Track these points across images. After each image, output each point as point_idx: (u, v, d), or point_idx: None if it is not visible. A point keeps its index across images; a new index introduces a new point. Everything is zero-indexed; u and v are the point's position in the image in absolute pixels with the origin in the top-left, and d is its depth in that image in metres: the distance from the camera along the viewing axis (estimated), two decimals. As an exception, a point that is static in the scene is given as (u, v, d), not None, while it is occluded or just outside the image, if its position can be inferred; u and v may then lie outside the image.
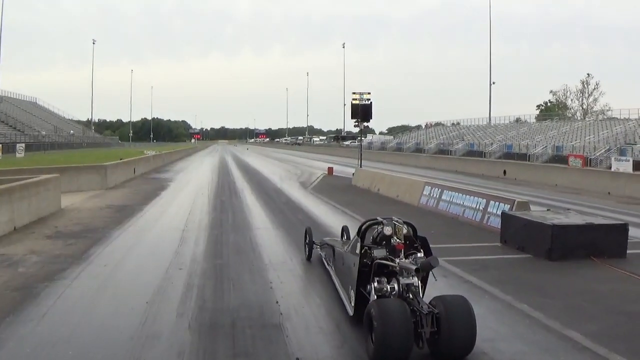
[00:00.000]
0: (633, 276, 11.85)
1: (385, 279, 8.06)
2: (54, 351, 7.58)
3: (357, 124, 39.10)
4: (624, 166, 41.94)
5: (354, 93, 38.38)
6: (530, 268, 12.70)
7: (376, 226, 8.77)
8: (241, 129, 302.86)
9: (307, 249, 13.36)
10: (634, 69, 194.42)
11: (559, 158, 55.61)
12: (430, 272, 8.03)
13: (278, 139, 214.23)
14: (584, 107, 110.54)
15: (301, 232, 14.38)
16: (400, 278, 7.86)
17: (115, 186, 31.52)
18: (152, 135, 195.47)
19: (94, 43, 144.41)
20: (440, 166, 55.83)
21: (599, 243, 13.41)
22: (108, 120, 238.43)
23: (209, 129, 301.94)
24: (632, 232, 14.73)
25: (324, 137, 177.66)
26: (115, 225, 17.70)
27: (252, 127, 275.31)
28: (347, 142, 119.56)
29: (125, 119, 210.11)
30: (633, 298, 10.42)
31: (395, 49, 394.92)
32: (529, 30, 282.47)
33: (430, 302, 7.46)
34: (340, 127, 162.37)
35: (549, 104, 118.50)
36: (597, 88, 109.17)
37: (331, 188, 32.03)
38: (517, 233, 14.58)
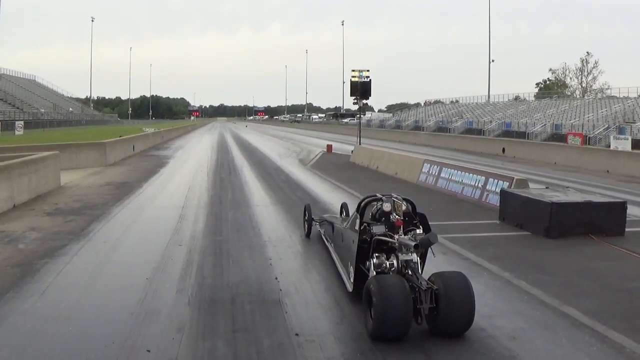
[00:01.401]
0: (631, 254, 11.89)
1: (384, 256, 8.08)
2: (54, 327, 7.61)
3: (356, 101, 39.03)
4: (623, 144, 41.95)
5: (353, 70, 38.29)
6: (529, 245, 12.73)
7: (375, 203, 8.77)
8: (240, 106, 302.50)
9: (306, 225, 13.37)
10: (633, 47, 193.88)
11: (557, 136, 55.56)
12: (429, 249, 8.06)
13: (277, 117, 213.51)
14: (583, 85, 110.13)
15: (300, 209, 14.40)
16: (400, 254, 7.89)
17: (115, 163, 31.55)
18: (151, 113, 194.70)
19: (92, 20, 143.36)
20: (439, 144, 55.75)
21: (598, 221, 13.44)
22: (107, 97, 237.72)
23: (207, 106, 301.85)
24: (631, 210, 14.74)
25: (323, 115, 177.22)
26: (115, 202, 17.73)
27: (251, 105, 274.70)
28: (346, 120, 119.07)
29: (124, 97, 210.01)
30: (631, 275, 10.45)
31: (395, 27, 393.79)
32: (528, 9, 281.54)
33: (429, 279, 7.49)
34: (339, 104, 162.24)
35: (548, 82, 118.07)
36: (597, 66, 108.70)
37: (330, 165, 32.05)
38: (516, 210, 14.60)
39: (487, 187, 18.00)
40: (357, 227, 8.60)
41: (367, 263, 8.23)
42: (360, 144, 38.83)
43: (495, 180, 17.76)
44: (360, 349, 7.03)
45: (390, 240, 7.98)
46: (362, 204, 9.02)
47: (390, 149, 36.30)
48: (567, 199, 14.17)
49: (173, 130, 76.60)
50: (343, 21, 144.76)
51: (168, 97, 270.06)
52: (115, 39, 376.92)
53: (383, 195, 8.64)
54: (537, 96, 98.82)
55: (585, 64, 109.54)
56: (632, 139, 43.25)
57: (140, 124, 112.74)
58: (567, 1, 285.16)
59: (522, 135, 60.93)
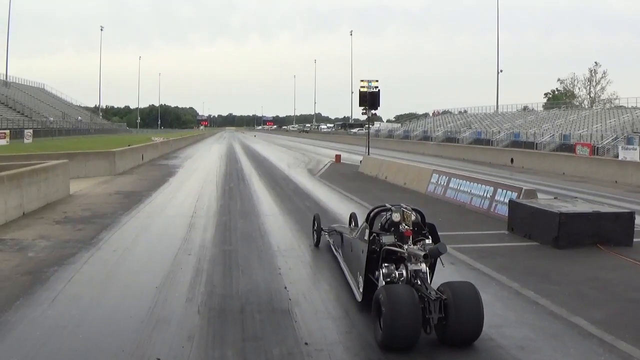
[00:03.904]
0: (639, 264, 11.87)
1: (394, 265, 8.09)
2: (64, 334, 7.65)
3: (364, 111, 39.02)
4: (631, 155, 41.79)
5: (362, 80, 38.28)
6: (537, 256, 12.72)
7: (384, 213, 8.79)
8: (248, 116, 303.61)
9: (315, 235, 13.39)
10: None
11: (566, 146, 55.42)
12: (438, 259, 8.09)
13: (285, 127, 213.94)
14: (592, 95, 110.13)
15: (309, 219, 14.44)
16: (409, 264, 7.90)
17: (124, 172, 31.68)
18: (159, 122, 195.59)
19: (101, 29, 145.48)
20: (448, 154, 55.73)
21: (606, 231, 13.43)
22: (116, 106, 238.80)
23: (216, 115, 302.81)
24: (639, 220, 14.72)
25: (332, 125, 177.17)
26: (124, 211, 17.78)
27: (259, 115, 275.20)
28: (355, 130, 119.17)
29: (132, 106, 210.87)
30: (639, 286, 10.44)
31: (403, 37, 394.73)
32: (536, 19, 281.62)
33: (438, 289, 7.50)
34: (348, 114, 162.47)
35: (556, 92, 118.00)
36: (605, 76, 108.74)
37: (339, 175, 32.06)
38: (524, 221, 14.59)
39: (496, 198, 18.00)
40: (366, 237, 8.62)
41: (376, 273, 8.25)
42: (368, 154, 38.75)
43: (504, 191, 17.76)
44: (370, 358, 7.05)
45: (400, 250, 8.00)
46: (372, 214, 9.04)
47: (398, 159, 36.38)
48: (575, 209, 14.16)
49: (182, 140, 76.87)
50: (352, 31, 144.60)
51: (177, 107, 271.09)
52: (125, 48, 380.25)
53: (392, 206, 8.66)
54: (546, 106, 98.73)
55: (593, 74, 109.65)
56: (640, 149, 43.10)
57: (148, 133, 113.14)
58: (576, 11, 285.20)
59: (530, 145, 60.82)
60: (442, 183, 22.36)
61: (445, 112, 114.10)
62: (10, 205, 15.78)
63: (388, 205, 8.82)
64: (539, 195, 17.36)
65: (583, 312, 8.70)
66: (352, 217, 13.46)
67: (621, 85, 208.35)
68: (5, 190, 15.56)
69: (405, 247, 7.97)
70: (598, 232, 13.38)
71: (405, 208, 8.42)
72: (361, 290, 8.71)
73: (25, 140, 64.43)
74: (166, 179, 29.31)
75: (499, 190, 18.10)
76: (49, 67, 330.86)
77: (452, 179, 21.81)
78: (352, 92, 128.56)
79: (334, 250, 12.10)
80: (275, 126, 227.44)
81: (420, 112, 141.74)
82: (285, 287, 9.90)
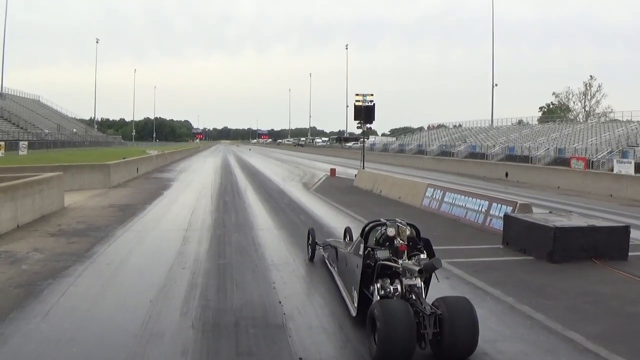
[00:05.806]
0: (634, 278, 11.88)
1: (389, 280, 8.08)
2: (57, 348, 7.61)
3: (359, 125, 39.05)
4: (626, 168, 41.97)
5: (357, 94, 38.33)
6: (532, 270, 12.71)
7: (379, 227, 8.77)
8: (244, 129, 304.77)
9: (309, 249, 13.37)
10: (636, 71, 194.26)
11: (561, 160, 55.66)
12: (433, 274, 8.07)
13: (280, 140, 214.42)
14: (587, 109, 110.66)
15: (304, 233, 14.40)
16: (403, 279, 7.89)
17: (118, 185, 31.59)
18: (154, 135, 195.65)
19: (97, 42, 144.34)
20: (443, 168, 55.80)
21: (601, 245, 13.44)
22: (111, 119, 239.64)
23: (211, 129, 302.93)
24: (634, 234, 14.74)
25: (327, 139, 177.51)
26: (119, 224, 17.73)
27: (254, 128, 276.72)
28: (350, 144, 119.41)
29: (128, 118, 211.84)
30: (634, 300, 10.44)
31: (398, 51, 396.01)
32: (531, 33, 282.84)
33: (433, 303, 7.49)
34: (343, 128, 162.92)
35: (551, 106, 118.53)
36: (600, 90, 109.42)
37: (334, 189, 32.04)
38: (519, 235, 14.60)
39: (491, 212, 17.99)
40: (361, 252, 8.59)
41: (371, 288, 8.22)
42: (363, 168, 38.74)
43: (499, 205, 17.75)
44: (364, 373, 7.03)
45: (395, 265, 7.98)
46: (366, 228, 9.02)
47: (393, 173, 36.34)
48: (570, 223, 14.17)
49: (177, 153, 76.82)
50: (347, 45, 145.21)
51: (172, 120, 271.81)
52: (120, 60, 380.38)
53: (387, 220, 8.65)
54: (541, 120, 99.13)
55: (588, 87, 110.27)
56: (635, 163, 43.26)
57: (143, 146, 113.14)
58: (571, 25, 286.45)
59: (525, 159, 61.07)
60: (437, 197, 22.36)
61: (440, 126, 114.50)
62: (5, 218, 15.72)
63: (383, 220, 8.80)
64: (534, 210, 17.36)
65: (578, 326, 8.70)
66: (347, 231, 13.41)
67: (616, 98, 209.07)
68: (0, 202, 15.51)
69: (400, 262, 7.95)
70: (593, 246, 13.39)
71: (400, 223, 8.41)
72: (356, 305, 8.69)
73: (20, 152, 64.42)
74: (161, 192, 29.25)
75: (494, 204, 18.10)
76: (45, 79, 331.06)
77: (447, 193, 21.81)
78: (347, 106, 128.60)
79: (328, 264, 12.07)
80: (270, 140, 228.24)
81: (415, 126, 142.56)
82: (280, 302, 9.87)
